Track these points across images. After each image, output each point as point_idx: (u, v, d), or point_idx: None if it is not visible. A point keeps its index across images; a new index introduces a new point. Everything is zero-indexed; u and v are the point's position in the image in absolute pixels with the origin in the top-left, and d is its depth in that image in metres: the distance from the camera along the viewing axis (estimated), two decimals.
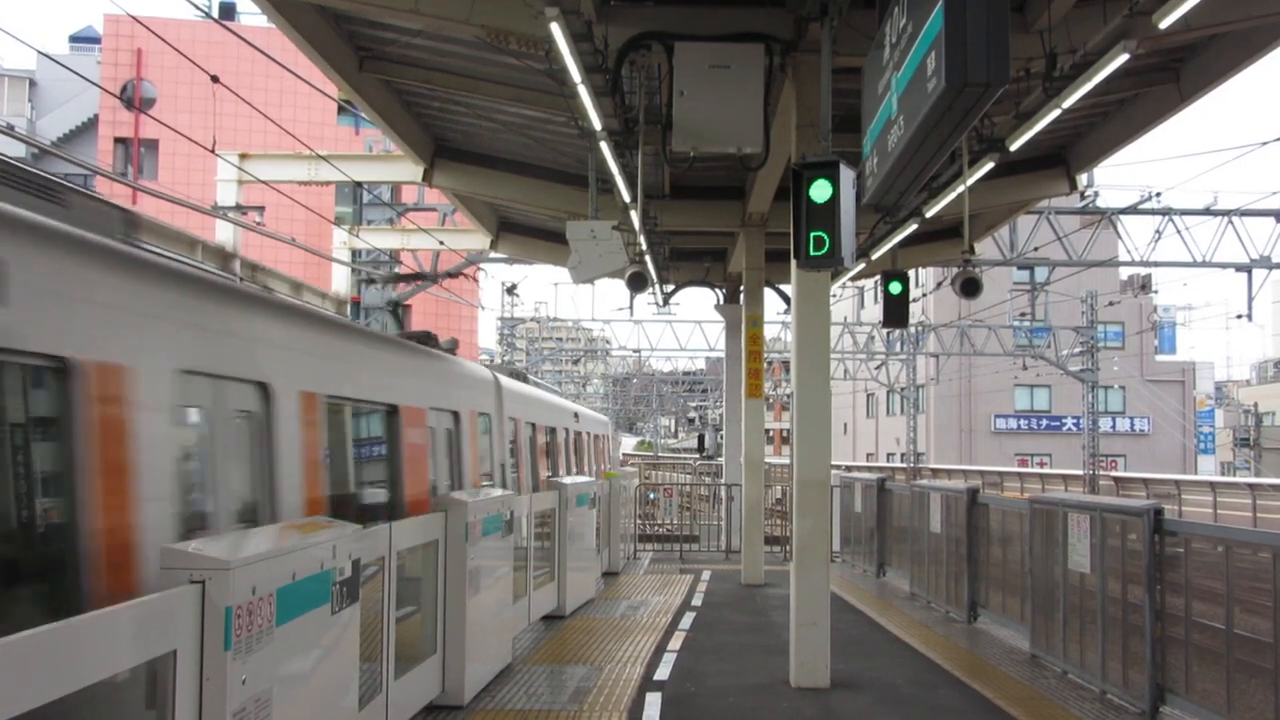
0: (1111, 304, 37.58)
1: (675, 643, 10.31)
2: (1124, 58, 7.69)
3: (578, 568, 12.33)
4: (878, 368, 46.34)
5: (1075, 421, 46.76)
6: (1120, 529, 8.06)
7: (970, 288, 12.59)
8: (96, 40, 41.87)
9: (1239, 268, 23.64)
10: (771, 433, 75.74)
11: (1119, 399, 53.35)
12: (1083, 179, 15.70)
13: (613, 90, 8.82)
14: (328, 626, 4.90)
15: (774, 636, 10.73)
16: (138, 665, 3.59)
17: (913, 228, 12.73)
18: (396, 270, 25.90)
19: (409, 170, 15.71)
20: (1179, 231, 23.02)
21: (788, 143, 9.53)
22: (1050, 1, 8.45)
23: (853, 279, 20.57)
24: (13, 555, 4.17)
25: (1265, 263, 23.21)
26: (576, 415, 19.89)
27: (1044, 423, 53.74)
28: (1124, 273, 46.54)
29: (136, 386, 4.59)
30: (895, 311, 13.35)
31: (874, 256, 14.30)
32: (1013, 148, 9.88)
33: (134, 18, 12.01)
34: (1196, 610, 7.22)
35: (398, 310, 17.82)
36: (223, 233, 18.95)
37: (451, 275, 23.18)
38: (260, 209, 19.82)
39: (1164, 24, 7.19)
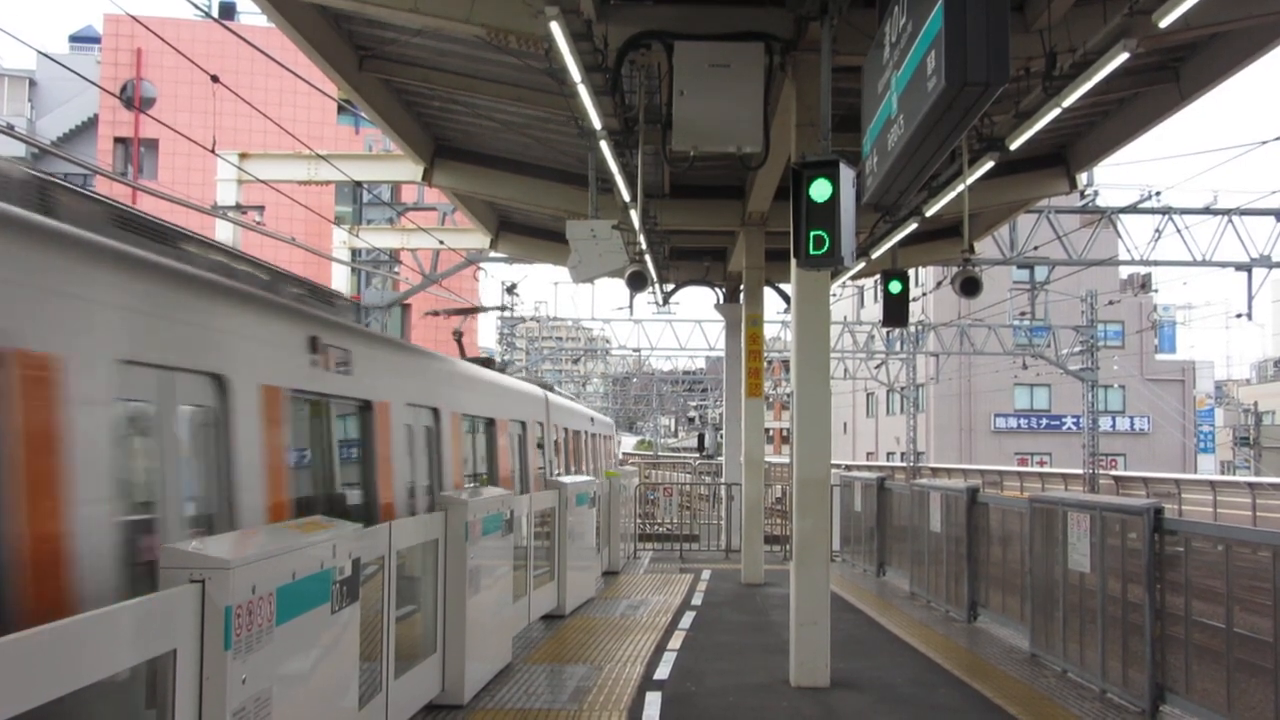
0: (1111, 303, 37.57)
1: (675, 642, 10.31)
2: (1124, 57, 7.69)
3: (578, 567, 12.34)
4: (877, 367, 46.33)
5: (1075, 421, 46.77)
6: (1120, 528, 8.06)
7: (970, 287, 12.59)
8: (96, 40, 41.85)
9: (1239, 267, 23.63)
10: (771, 432, 75.74)
11: (1119, 398, 53.35)
12: (1082, 178, 15.70)
13: (613, 89, 8.82)
14: (328, 626, 4.90)
15: (774, 636, 10.73)
16: (138, 664, 3.59)
17: (912, 227, 12.73)
18: (396, 270, 25.93)
19: (409, 170, 15.70)
20: (1179, 230, 23.03)
21: (787, 142, 9.53)
22: (1050, 1, 8.45)
23: (852, 278, 20.57)
24: None
25: (1265, 262, 23.20)
26: (592, 419, 22.18)
27: (1044, 422, 53.74)
28: (1124, 272, 46.56)
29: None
30: (895, 311, 13.34)
31: (874, 255, 14.30)
32: (1012, 147, 9.88)
33: (134, 17, 12.01)
34: (1196, 609, 7.22)
35: (460, 339, 19.86)
36: (223, 232, 18.94)
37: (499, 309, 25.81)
38: (260, 209, 19.82)
39: (1164, 23, 7.19)
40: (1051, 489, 32.36)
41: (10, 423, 3.73)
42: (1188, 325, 61.55)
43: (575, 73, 8.00)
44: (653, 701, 7.95)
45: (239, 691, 3.93)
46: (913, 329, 40.04)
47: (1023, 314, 38.56)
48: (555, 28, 7.22)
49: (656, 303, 23.82)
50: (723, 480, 20.87)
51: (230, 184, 19.15)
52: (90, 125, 38.74)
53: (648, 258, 13.93)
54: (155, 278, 4.91)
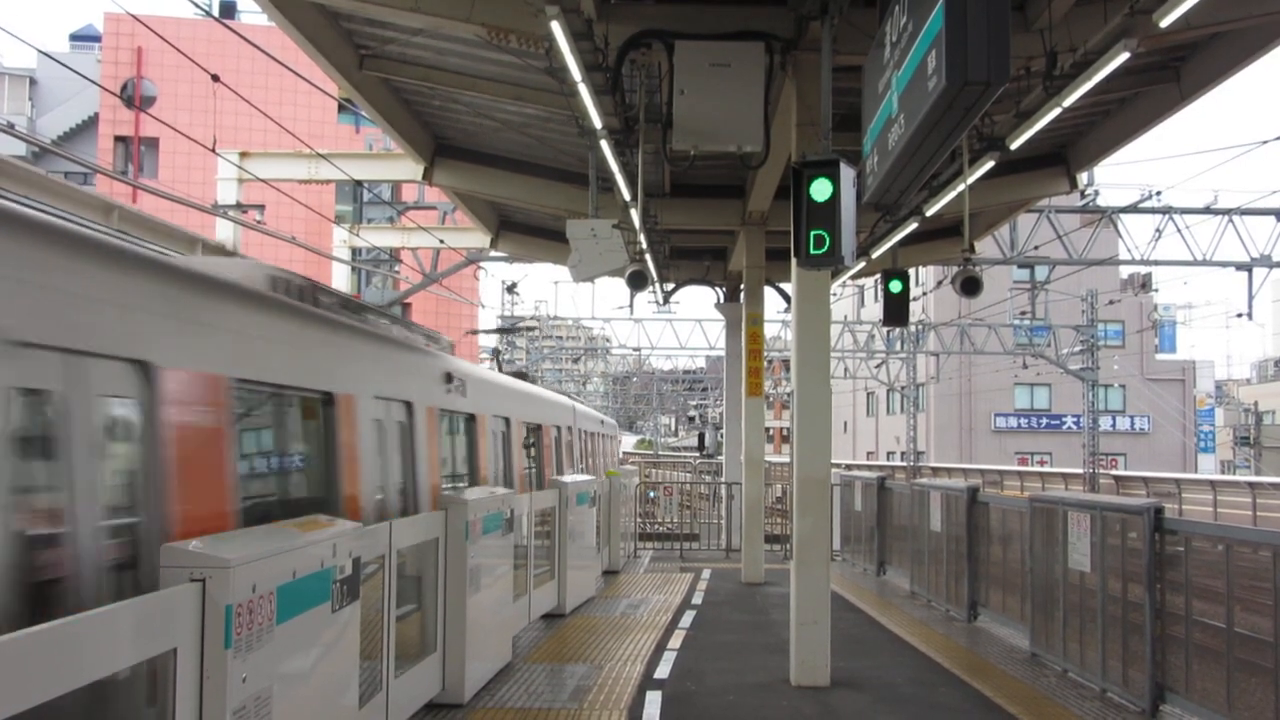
0: (1112, 303, 37.56)
1: (675, 641, 10.31)
2: (1124, 56, 7.69)
3: (578, 566, 12.34)
4: (878, 366, 46.34)
5: (1075, 420, 46.78)
6: (1120, 528, 8.07)
7: (970, 286, 12.59)
8: (97, 39, 41.86)
9: (1239, 266, 23.62)
10: (771, 431, 75.76)
11: (1119, 398, 53.35)
12: (1083, 178, 15.71)
13: (613, 89, 8.82)
14: (328, 624, 4.90)
15: (774, 635, 10.74)
16: (138, 663, 3.59)
17: (913, 226, 12.73)
18: (396, 269, 25.92)
19: (409, 169, 15.71)
20: (1179, 230, 23.02)
21: (788, 141, 9.53)
22: (1050, 0, 8.45)
23: (853, 277, 20.59)
24: None
25: (1265, 261, 23.20)
26: (602, 422, 24.34)
27: (1044, 421, 53.74)
28: (1124, 271, 46.56)
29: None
30: (895, 310, 13.35)
31: (874, 255, 14.30)
32: (1013, 146, 9.88)
33: (134, 16, 12.02)
34: (1197, 609, 7.22)
35: (498, 357, 23.11)
36: (223, 231, 18.95)
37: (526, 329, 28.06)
38: (260, 207, 19.82)
39: (1164, 23, 7.19)
40: (1052, 488, 32.36)
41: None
42: (1188, 325, 61.61)
43: (576, 72, 8.00)
44: (653, 700, 7.95)
45: (239, 690, 3.93)
46: (913, 328, 40.04)
47: (1023, 313, 38.58)
48: (555, 27, 7.22)
49: (657, 302, 23.85)
50: (723, 479, 20.88)
51: (231, 183, 19.17)
52: (91, 124, 38.77)
53: (648, 257, 13.94)
54: (393, 346, 8.17)
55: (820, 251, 6.94)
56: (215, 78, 11.96)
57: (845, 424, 64.03)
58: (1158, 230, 23.09)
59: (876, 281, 31.85)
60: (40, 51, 10.33)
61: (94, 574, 3.89)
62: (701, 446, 49.62)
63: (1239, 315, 26.98)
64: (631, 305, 41.10)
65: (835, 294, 29.23)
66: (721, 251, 18.71)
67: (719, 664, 9.39)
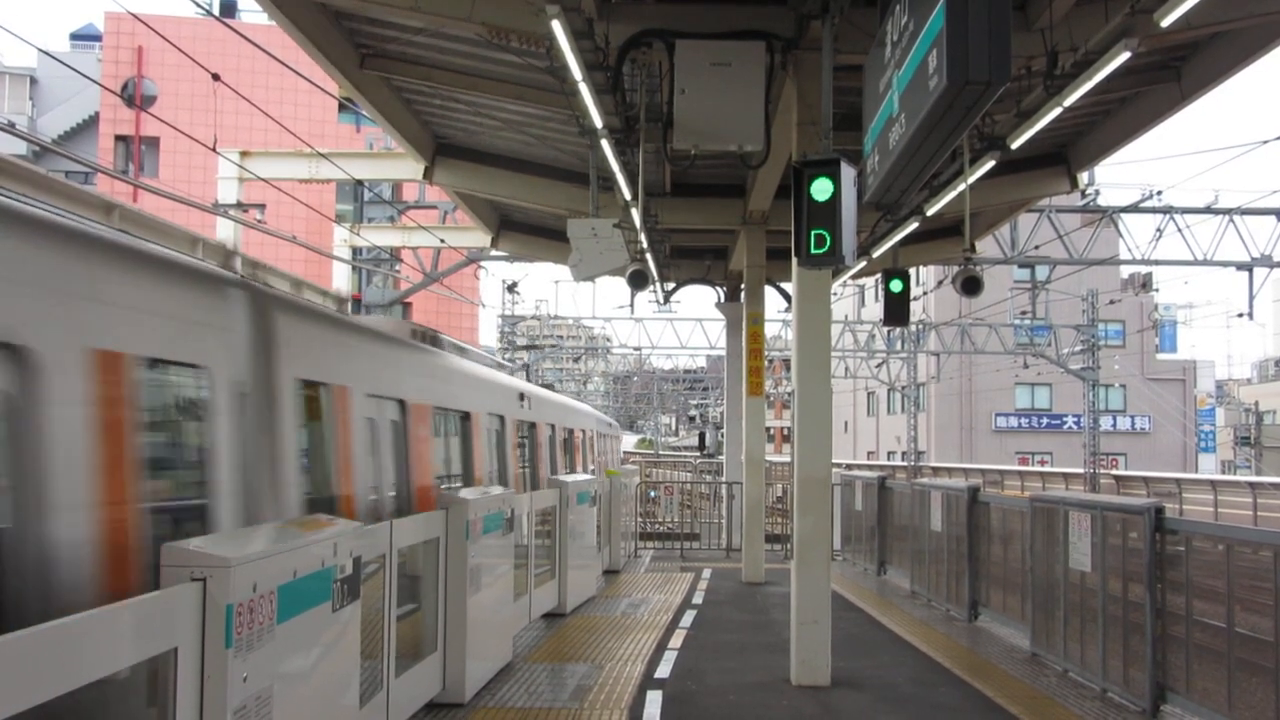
0: (1112, 302, 37.54)
1: (676, 641, 10.31)
2: (1125, 56, 7.68)
3: (578, 566, 12.34)
4: (878, 366, 46.32)
5: (1076, 420, 46.78)
6: (1121, 527, 8.06)
7: (971, 286, 12.60)
8: (97, 38, 41.86)
9: (1240, 266, 23.62)
10: (772, 431, 75.75)
11: (1120, 397, 53.34)
12: (1083, 177, 15.70)
13: (613, 88, 8.82)
14: (329, 624, 4.90)
15: (775, 634, 10.74)
16: (138, 663, 3.59)
17: (913, 226, 12.72)
18: (397, 268, 25.91)
19: (410, 168, 15.70)
20: (1180, 230, 23.02)
21: (789, 141, 9.52)
22: (1051, 0, 8.44)
23: (853, 277, 20.58)
24: None
25: (1266, 261, 23.19)
26: (611, 424, 27.96)
27: (1044, 421, 53.74)
28: (1125, 271, 46.55)
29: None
30: (896, 309, 13.35)
31: (875, 254, 14.29)
32: (1014, 146, 9.87)
33: (135, 15, 12.03)
34: (1197, 609, 7.22)
35: (528, 369, 25.45)
36: (224, 230, 18.94)
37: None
38: (261, 207, 19.81)
39: (1165, 22, 7.19)
40: (1052, 488, 32.35)
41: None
42: (1188, 325, 61.62)
43: (576, 71, 8.00)
44: (654, 700, 7.95)
45: (240, 690, 3.93)
46: (914, 328, 40.03)
47: (1023, 313, 38.55)
48: (556, 26, 7.22)
49: (657, 301, 23.84)
50: (723, 479, 20.88)
51: (231, 182, 19.13)
52: (91, 123, 38.77)
53: (649, 256, 13.94)
54: (493, 375, 11.78)
55: (821, 251, 6.94)
56: (216, 77, 11.96)
57: (846, 424, 64.02)
58: (1158, 230, 23.10)
59: (877, 281, 31.83)
60: (41, 50, 10.33)
61: None
62: (702, 446, 49.63)
63: (1239, 315, 26.98)
64: (632, 305, 41.11)
65: (836, 293, 29.21)
66: (722, 251, 18.71)
67: (720, 663, 9.39)
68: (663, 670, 8.99)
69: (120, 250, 4.67)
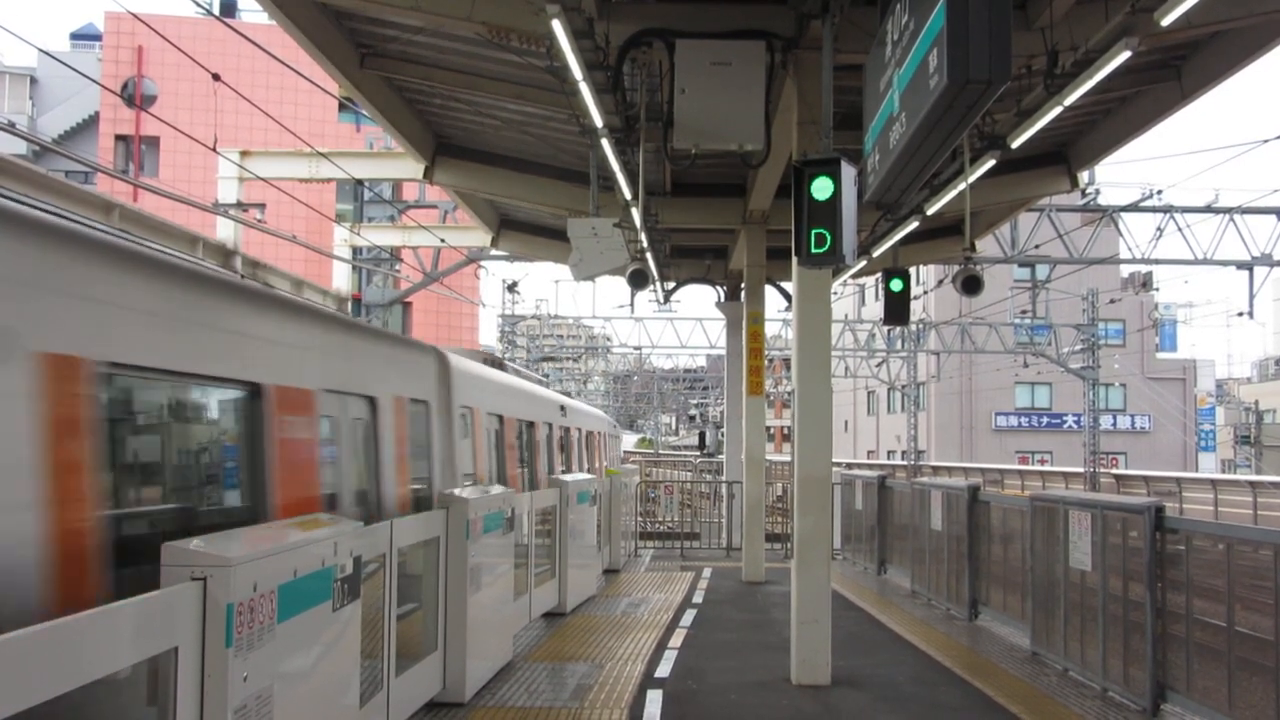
0: (1112, 301, 37.54)
1: (676, 640, 10.31)
2: (1125, 55, 7.68)
3: (579, 565, 12.34)
4: (879, 365, 46.32)
5: (1076, 419, 46.78)
6: (1121, 526, 8.06)
7: (971, 285, 12.60)
8: (97, 37, 41.86)
9: (1240, 265, 23.61)
10: (772, 430, 75.74)
11: (1120, 396, 53.34)
12: (1084, 176, 15.70)
13: (614, 87, 8.82)
14: (329, 623, 4.90)
15: (775, 634, 10.74)
16: (139, 662, 3.59)
17: (914, 225, 12.72)
18: (397, 268, 25.90)
19: (410, 167, 15.71)
20: (1180, 229, 23.01)
21: (789, 140, 9.52)
22: None
23: (854, 276, 20.57)
24: None
25: (1266, 260, 23.19)
26: (614, 424, 29.94)
27: (1045, 420, 53.74)
28: (1125, 270, 46.54)
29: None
30: (896, 309, 13.35)
31: (875, 254, 14.29)
32: (1014, 145, 9.87)
33: (135, 15, 12.02)
34: (1198, 608, 7.22)
35: (546, 382, 25.93)
36: (224, 230, 18.95)
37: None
38: (261, 206, 19.81)
39: (1166, 21, 7.19)
40: (1052, 487, 32.35)
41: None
42: (1189, 324, 61.63)
43: (576, 71, 8.00)
44: (654, 699, 7.95)
45: (240, 689, 3.93)
46: (914, 327, 40.03)
47: (1024, 312, 38.54)
48: (556, 25, 7.22)
49: (657, 301, 23.84)
50: (724, 478, 20.88)
51: (231, 182, 19.14)
52: (91, 123, 38.77)
53: (649, 256, 13.93)
54: (543, 391, 16.72)
55: (821, 250, 6.94)
56: (216, 76, 11.96)
57: (846, 423, 64.02)
58: (1158, 229, 23.10)
59: (877, 280, 31.83)
60: (41, 50, 10.32)
61: None
62: (702, 445, 49.62)
63: (1240, 314, 26.98)
64: (632, 304, 41.03)
65: (836, 293, 29.20)
66: (722, 250, 18.71)
67: (720, 662, 9.40)
68: (663, 669, 8.99)
69: (400, 342, 9.56)
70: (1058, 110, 8.84)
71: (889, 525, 15.34)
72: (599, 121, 9.15)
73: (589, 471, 19.58)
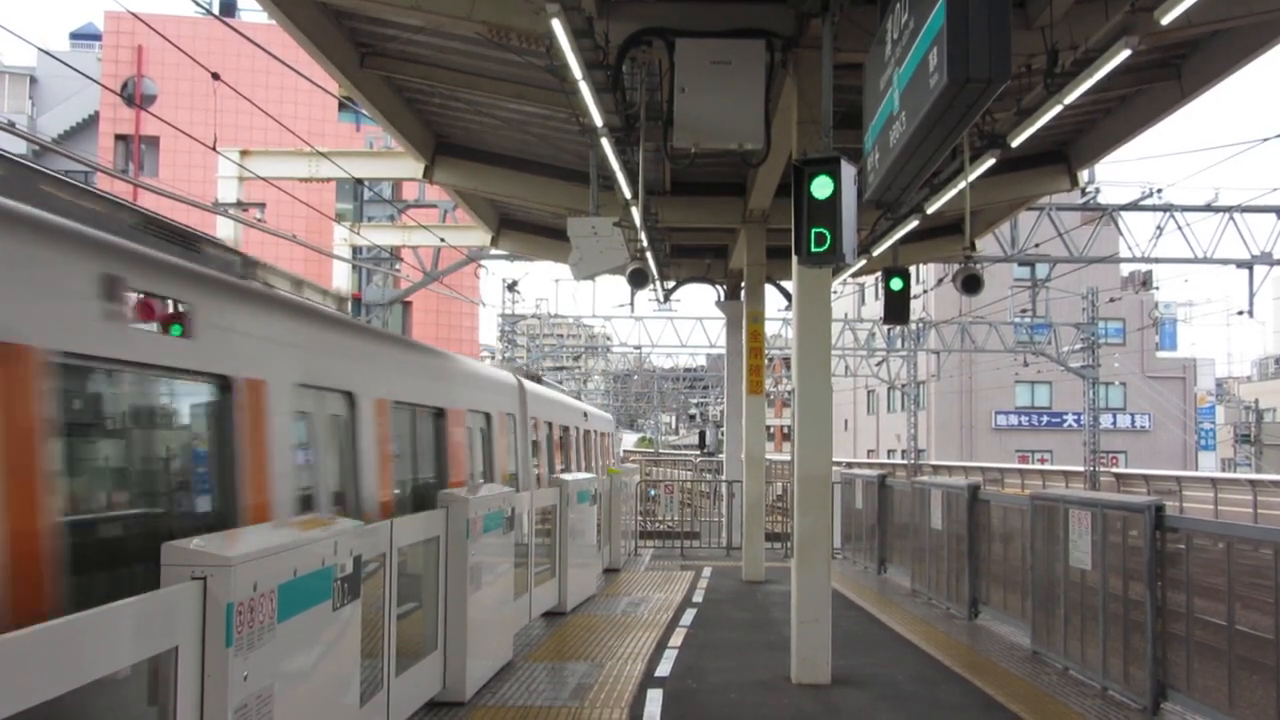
0: (1112, 300, 37.53)
1: (676, 639, 10.32)
2: (1125, 54, 7.68)
3: (579, 564, 12.34)
4: (879, 364, 46.32)
5: (1076, 418, 46.77)
6: (1121, 525, 8.06)
7: (971, 284, 12.58)
8: (97, 37, 41.83)
9: (1240, 264, 23.62)
10: (772, 429, 75.75)
11: (1120, 395, 53.34)
12: (1084, 175, 15.70)
13: (614, 86, 8.81)
14: (329, 623, 4.90)
15: (775, 633, 10.74)
16: (139, 662, 3.59)
17: (914, 224, 12.72)
18: (397, 267, 25.90)
19: (410, 167, 15.70)
20: (1180, 228, 23.01)
21: (789, 139, 9.52)
22: None
23: (854, 275, 20.58)
24: None
25: (1266, 259, 23.19)
26: (616, 425, 33.88)
27: (1045, 419, 53.74)
28: (1125, 269, 46.56)
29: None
30: (896, 308, 13.34)
31: (875, 253, 14.29)
32: (1014, 144, 9.87)
33: (135, 15, 12.01)
34: (1198, 606, 7.22)
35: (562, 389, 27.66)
36: (224, 229, 18.94)
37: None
38: (261, 206, 19.81)
39: (1165, 20, 7.19)
40: (1052, 486, 32.35)
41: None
42: (1189, 322, 61.64)
43: (576, 70, 7.99)
44: (654, 699, 7.95)
45: (240, 689, 3.93)
46: (914, 326, 40.03)
47: (1024, 311, 38.55)
48: (556, 25, 7.22)
49: (657, 300, 23.84)
50: (724, 478, 20.88)
51: (231, 181, 19.13)
52: (91, 122, 38.74)
53: (649, 255, 13.93)
54: (572, 400, 20.79)
55: (821, 249, 6.94)
56: (216, 76, 11.95)
57: (846, 422, 64.01)
58: (1158, 228, 23.10)
59: (877, 279, 31.82)
60: (41, 50, 10.32)
61: None
62: (702, 444, 49.64)
63: (1240, 313, 26.93)
64: (632, 303, 40.93)
65: (836, 292, 29.23)
66: (722, 249, 18.71)
67: (720, 662, 9.40)
68: (663, 669, 8.99)
69: (498, 372, 13.33)
70: (1057, 109, 8.83)
71: (889, 524, 15.35)
72: (599, 121, 9.15)
73: (601, 465, 22.57)
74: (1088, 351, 34.94)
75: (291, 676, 4.47)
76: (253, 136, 25.31)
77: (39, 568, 3.81)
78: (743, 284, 16.14)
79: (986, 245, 22.43)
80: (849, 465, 35.99)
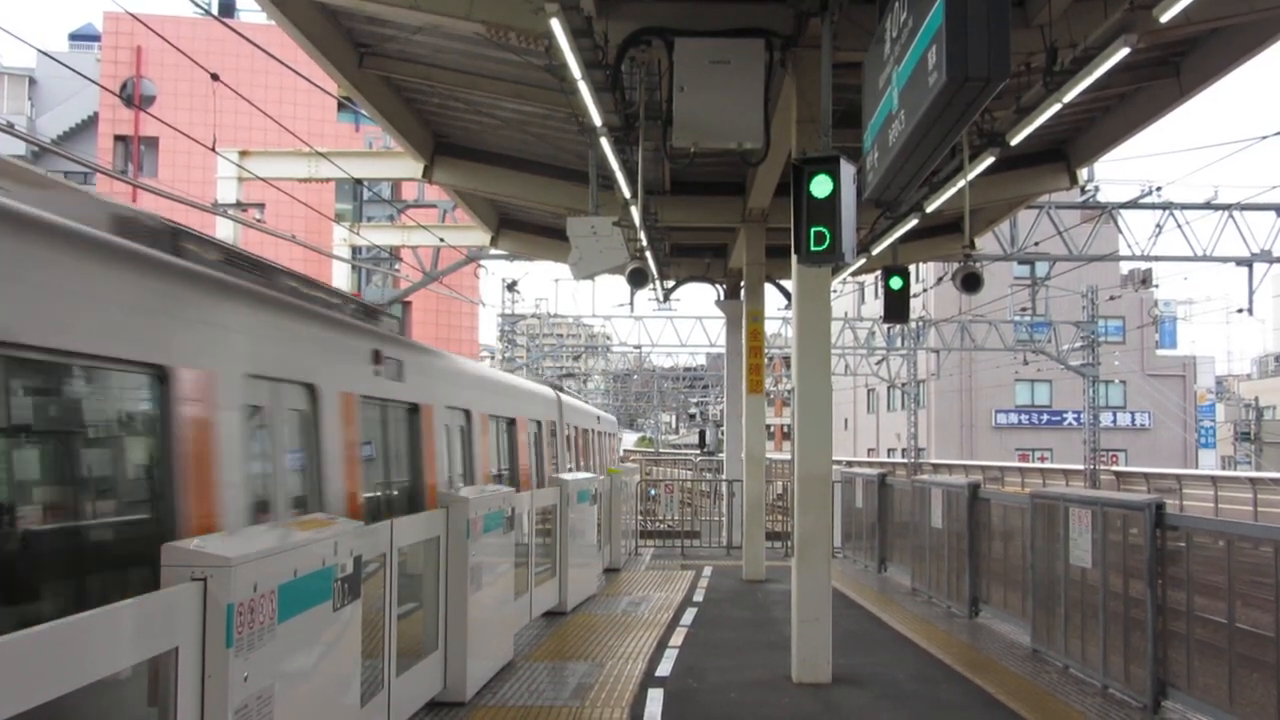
0: (1112, 298, 37.52)
1: (677, 639, 10.32)
2: (1124, 52, 7.67)
3: (579, 564, 12.34)
4: (878, 363, 46.33)
5: (1076, 416, 46.78)
6: (1121, 524, 8.07)
7: (971, 283, 12.58)
8: (96, 38, 41.83)
9: (1239, 262, 23.62)
10: (772, 428, 75.76)
11: (1120, 394, 53.34)
12: (1083, 173, 15.68)
13: (613, 86, 8.81)
14: (329, 623, 4.90)
15: (775, 632, 10.74)
16: (140, 662, 3.59)
17: (913, 223, 12.71)
18: (396, 267, 25.89)
19: (409, 167, 15.70)
20: (1179, 226, 23.00)
21: (788, 138, 9.52)
22: None
23: (853, 274, 20.56)
24: None
25: (1266, 257, 23.19)
26: (617, 424, 35.41)
27: (1045, 417, 53.74)
28: (1124, 267, 46.54)
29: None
30: (896, 307, 13.35)
31: (874, 252, 14.28)
32: (1013, 142, 9.86)
33: (134, 15, 12.00)
34: (1198, 605, 7.22)
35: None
36: (223, 230, 18.94)
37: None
38: (261, 206, 19.80)
39: (1164, 18, 7.18)
40: (1052, 485, 32.36)
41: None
42: (1188, 320, 61.63)
43: (575, 69, 7.99)
44: (655, 698, 7.95)
45: (241, 689, 3.93)
46: (913, 325, 40.04)
47: (1023, 309, 38.56)
48: (555, 24, 7.21)
49: (657, 299, 23.84)
50: (724, 477, 20.88)
51: (230, 181, 19.13)
52: (90, 123, 38.75)
53: (648, 254, 13.93)
54: (589, 407, 24.12)
55: (821, 248, 6.93)
56: (215, 76, 11.94)
57: (846, 421, 64.01)
58: (1158, 226, 23.08)
59: (877, 278, 31.84)
60: (40, 51, 10.33)
61: None
62: (702, 444, 49.60)
63: (1239, 310, 26.89)
64: (632, 303, 40.98)
65: (835, 291, 29.21)
66: (722, 249, 18.70)
67: (720, 661, 9.40)
68: (664, 668, 8.99)
69: (542, 387, 17.45)
70: (1057, 107, 8.83)
71: (889, 523, 15.35)
72: (598, 120, 9.14)
73: (604, 464, 23.93)
74: (1087, 350, 34.94)
75: (292, 677, 4.47)
76: (252, 137, 25.31)
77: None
78: (742, 283, 16.14)
79: (986, 244, 22.42)
80: (849, 464, 36.00)
